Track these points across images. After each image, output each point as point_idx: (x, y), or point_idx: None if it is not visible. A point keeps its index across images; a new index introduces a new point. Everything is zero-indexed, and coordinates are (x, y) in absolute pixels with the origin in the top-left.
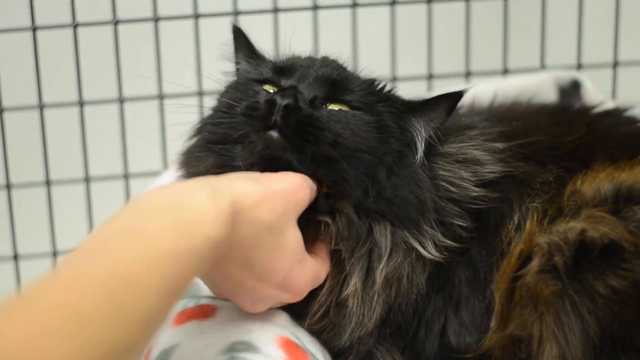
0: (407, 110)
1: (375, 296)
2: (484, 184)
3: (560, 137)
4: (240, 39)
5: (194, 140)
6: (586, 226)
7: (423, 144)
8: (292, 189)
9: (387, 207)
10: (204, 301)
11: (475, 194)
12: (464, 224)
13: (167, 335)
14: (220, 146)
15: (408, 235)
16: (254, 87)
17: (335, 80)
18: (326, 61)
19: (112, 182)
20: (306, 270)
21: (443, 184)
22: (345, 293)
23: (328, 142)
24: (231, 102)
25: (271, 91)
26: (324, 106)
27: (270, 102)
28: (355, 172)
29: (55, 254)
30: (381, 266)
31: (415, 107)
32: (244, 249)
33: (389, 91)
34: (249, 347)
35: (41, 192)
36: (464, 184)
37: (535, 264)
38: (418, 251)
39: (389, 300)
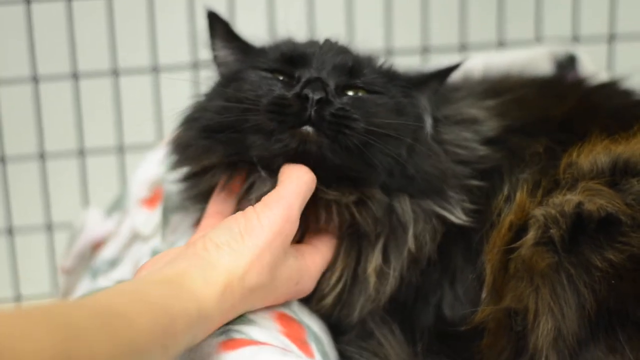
0: (412, 86)
1: (392, 270)
2: (486, 141)
3: (550, 109)
4: (217, 25)
5: (188, 127)
6: (583, 199)
7: (430, 117)
8: (278, 228)
9: (410, 184)
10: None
11: (482, 153)
12: (479, 184)
13: None
14: (226, 134)
15: (432, 203)
16: (264, 78)
17: (351, 67)
18: (336, 47)
19: (106, 155)
20: (308, 277)
21: (450, 148)
22: (369, 269)
23: (360, 133)
24: (241, 94)
25: (280, 80)
26: (345, 94)
27: (302, 97)
28: (381, 156)
29: (50, 226)
30: (406, 239)
31: (417, 82)
32: (237, 310)
33: (393, 69)
34: (245, 319)
35: (35, 165)
36: (470, 144)
37: (531, 236)
38: (445, 217)
39: (403, 273)
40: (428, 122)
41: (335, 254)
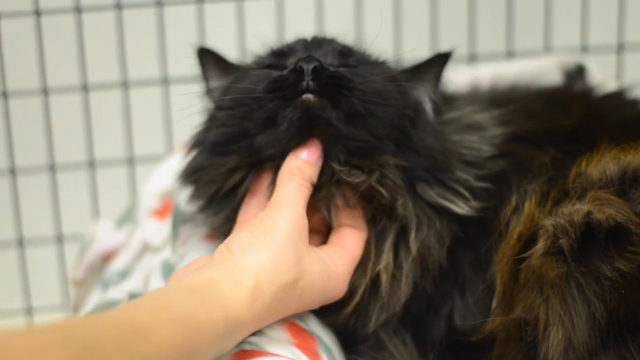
0: (404, 73)
1: (404, 276)
2: (492, 149)
3: (557, 120)
4: (208, 59)
5: (197, 152)
6: (592, 208)
7: (430, 104)
8: (293, 222)
9: (417, 160)
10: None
11: (488, 154)
12: (485, 185)
13: None
14: (236, 145)
15: (435, 195)
16: (258, 73)
17: (340, 50)
18: (325, 39)
19: (117, 167)
20: (338, 274)
21: (455, 148)
22: (377, 268)
23: (358, 96)
24: (238, 94)
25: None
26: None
27: (297, 70)
28: (384, 125)
29: (60, 238)
30: (412, 239)
31: (410, 70)
32: (273, 310)
33: (388, 61)
34: (256, 331)
35: (46, 177)
36: (475, 145)
37: (540, 246)
38: (448, 210)
39: (416, 280)
40: (427, 104)
41: (364, 253)
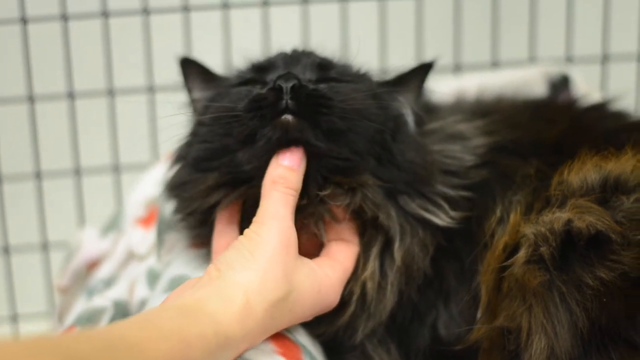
0: (386, 86)
1: (389, 284)
2: (476, 160)
3: (541, 132)
4: (191, 69)
5: (179, 167)
6: (572, 216)
7: (411, 115)
8: (280, 237)
9: (398, 174)
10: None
11: (471, 163)
12: (467, 195)
13: None
14: (217, 161)
15: (417, 207)
16: (239, 90)
17: (320, 63)
18: (304, 52)
19: (102, 175)
20: (329, 286)
21: (438, 157)
22: (364, 276)
23: (337, 113)
24: (219, 113)
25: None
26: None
27: (276, 89)
28: (365, 141)
29: (46, 245)
30: (396, 247)
31: (391, 83)
32: (265, 327)
33: (369, 73)
34: None
35: (31, 184)
36: (458, 155)
37: (522, 254)
38: (430, 222)
39: (401, 288)
40: (409, 115)
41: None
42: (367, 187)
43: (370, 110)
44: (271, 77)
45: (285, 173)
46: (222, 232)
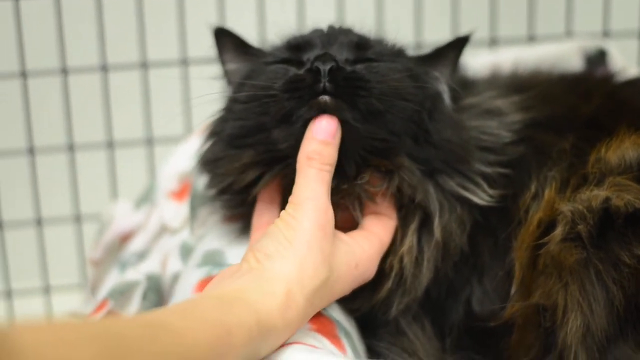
0: (422, 62)
1: (426, 260)
2: (512, 135)
3: (577, 107)
4: (226, 40)
5: (213, 142)
6: (610, 194)
7: (447, 91)
8: (317, 220)
9: (435, 153)
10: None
11: (507, 140)
12: (504, 171)
13: None
14: (252, 138)
15: (455, 185)
16: (275, 68)
17: (357, 42)
18: (341, 29)
19: (135, 148)
20: (366, 260)
21: (474, 134)
22: (401, 251)
23: (375, 95)
24: (255, 91)
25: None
26: (356, 65)
27: (314, 70)
28: (402, 121)
29: (78, 218)
30: (435, 224)
31: (428, 57)
32: (306, 313)
33: (404, 48)
34: None
35: (64, 157)
36: (495, 131)
37: (558, 232)
38: (468, 200)
39: (437, 264)
40: (445, 92)
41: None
42: (404, 169)
43: (408, 90)
44: (308, 56)
45: (319, 148)
46: (263, 210)
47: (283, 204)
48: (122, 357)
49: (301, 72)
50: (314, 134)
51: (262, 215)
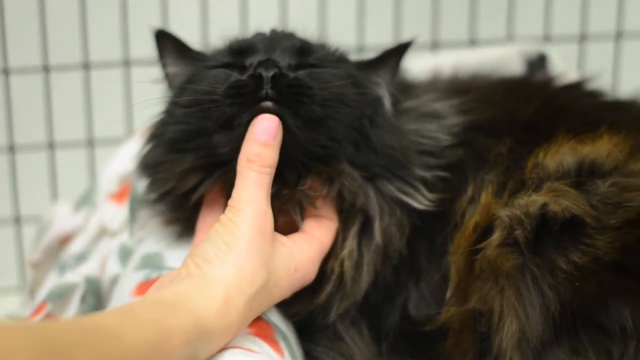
0: (363, 68)
1: (365, 264)
2: (450, 138)
3: (516, 110)
4: (166, 42)
5: (153, 145)
6: (548, 200)
7: (388, 96)
8: (256, 224)
9: (376, 158)
10: (166, 273)
11: (446, 143)
12: (444, 175)
13: None
14: (193, 142)
15: (395, 190)
16: (217, 73)
17: (300, 47)
18: (283, 34)
19: (76, 149)
20: (306, 262)
21: (414, 137)
22: (342, 255)
23: (318, 101)
24: (197, 96)
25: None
26: (298, 71)
27: (256, 76)
28: (343, 128)
29: (18, 219)
30: (375, 227)
31: (369, 64)
32: (246, 318)
33: (346, 54)
34: None
35: (5, 158)
36: (434, 134)
37: (496, 237)
38: (408, 204)
39: (377, 268)
40: (386, 97)
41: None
42: (344, 175)
43: (350, 97)
44: (250, 61)
45: (260, 150)
46: (207, 214)
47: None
48: (59, 357)
49: (244, 77)
50: (255, 135)
51: (205, 219)
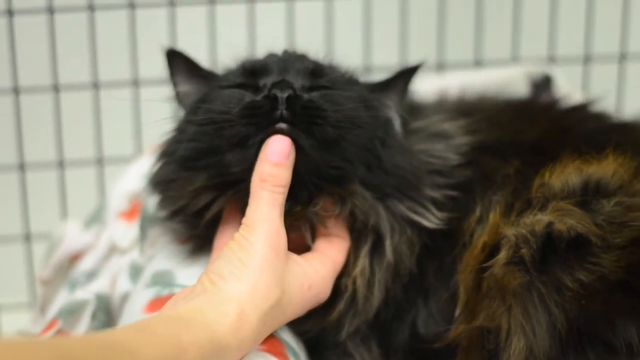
0: (373, 90)
1: (377, 282)
2: (458, 158)
3: (522, 132)
4: (177, 61)
5: (164, 162)
6: (553, 219)
7: (397, 118)
8: (270, 242)
9: (387, 179)
10: (177, 290)
11: (455, 162)
12: (453, 194)
13: None
14: (205, 160)
15: (405, 209)
16: (231, 93)
17: (312, 69)
18: (295, 55)
19: (86, 168)
20: (319, 281)
21: (423, 157)
22: (354, 273)
23: (331, 123)
24: (211, 114)
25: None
26: (311, 92)
27: (271, 97)
28: (356, 149)
29: (28, 237)
30: (387, 245)
31: (379, 86)
32: (260, 333)
33: (356, 76)
34: None
35: (15, 176)
36: (442, 154)
37: (502, 255)
38: (418, 223)
39: (388, 286)
40: (396, 119)
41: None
42: (356, 196)
43: (362, 119)
44: (264, 82)
45: (273, 170)
46: (225, 231)
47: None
48: None
49: (259, 98)
50: (268, 155)
51: (223, 236)
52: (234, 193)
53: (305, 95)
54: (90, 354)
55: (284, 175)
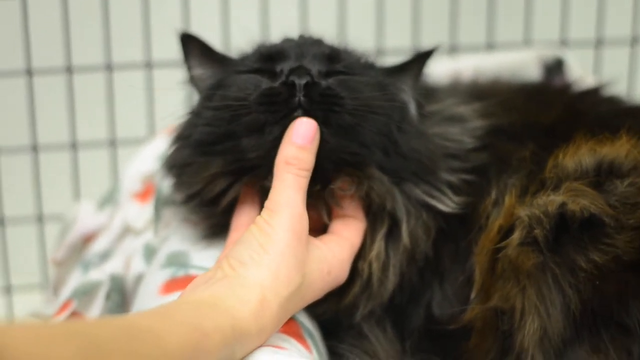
0: (389, 74)
1: (392, 265)
2: (473, 141)
3: (536, 116)
4: (192, 45)
5: (180, 145)
6: (566, 199)
7: (413, 100)
8: (292, 227)
9: (404, 163)
10: (193, 271)
11: (470, 146)
12: (469, 178)
13: (154, 305)
14: (221, 145)
15: (422, 193)
16: (247, 78)
17: (329, 54)
18: (312, 40)
19: (99, 149)
20: (338, 264)
21: (439, 141)
22: (370, 257)
23: (348, 110)
24: (227, 99)
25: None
26: (328, 78)
27: (289, 84)
28: (373, 134)
29: (41, 218)
30: (403, 229)
31: (396, 69)
32: (280, 318)
33: (371, 60)
34: None
35: (28, 157)
36: (458, 137)
37: (516, 236)
38: (434, 207)
39: (403, 270)
40: (411, 103)
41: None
42: (373, 180)
43: (379, 104)
44: (281, 67)
45: (298, 153)
46: (242, 211)
47: (262, 206)
48: (101, 356)
49: (276, 85)
50: (293, 138)
51: (240, 216)
52: (249, 179)
53: (323, 82)
54: (119, 342)
55: (309, 158)
